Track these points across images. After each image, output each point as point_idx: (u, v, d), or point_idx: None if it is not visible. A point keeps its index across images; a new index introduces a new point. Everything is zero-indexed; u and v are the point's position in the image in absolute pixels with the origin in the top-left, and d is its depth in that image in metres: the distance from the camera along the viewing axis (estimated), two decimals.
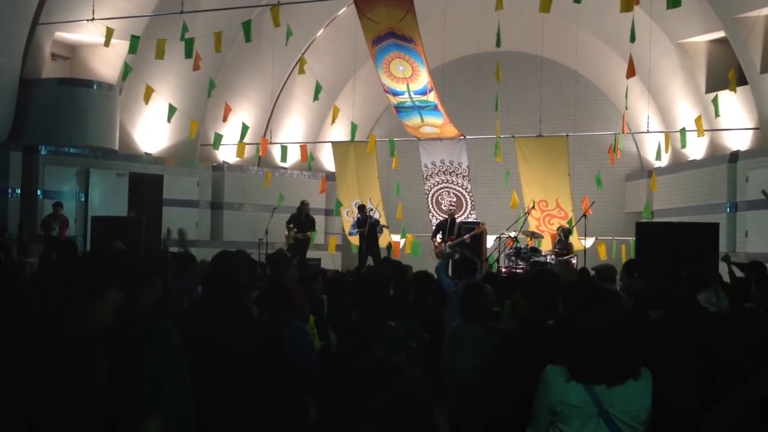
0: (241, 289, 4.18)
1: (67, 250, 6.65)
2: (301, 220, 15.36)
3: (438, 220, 16.84)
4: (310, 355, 4.60)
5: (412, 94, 15.44)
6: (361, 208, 15.62)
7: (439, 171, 17.16)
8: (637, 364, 2.99)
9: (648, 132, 16.11)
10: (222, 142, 15.90)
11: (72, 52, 16.21)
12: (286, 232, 15.26)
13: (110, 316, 3.31)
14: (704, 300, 4.39)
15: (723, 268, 7.87)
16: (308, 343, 4.73)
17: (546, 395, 2.98)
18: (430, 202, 17.41)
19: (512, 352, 3.80)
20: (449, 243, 14.19)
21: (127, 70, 14.33)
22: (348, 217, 17.65)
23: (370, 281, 4.97)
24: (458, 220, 15.28)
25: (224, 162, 18.01)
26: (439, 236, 14.73)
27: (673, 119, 16.13)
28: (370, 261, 14.49)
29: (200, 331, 3.85)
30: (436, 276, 7.57)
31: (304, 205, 15.54)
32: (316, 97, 14.74)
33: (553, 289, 4.11)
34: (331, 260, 17.42)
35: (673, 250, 8.01)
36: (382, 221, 16.33)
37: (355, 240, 16.78)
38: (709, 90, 15.08)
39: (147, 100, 13.97)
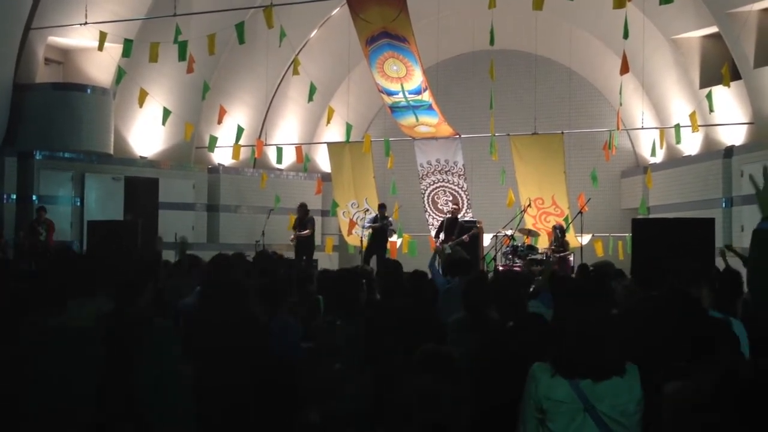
0: (242, 290, 4.23)
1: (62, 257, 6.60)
2: (300, 221, 15.36)
3: (435, 220, 16.86)
4: (294, 353, 4.65)
5: (406, 93, 15.44)
6: (382, 206, 15.45)
7: (435, 170, 17.17)
8: (621, 360, 3.01)
9: (643, 128, 16.14)
10: (217, 145, 15.87)
11: (65, 56, 16.17)
12: (292, 236, 15.29)
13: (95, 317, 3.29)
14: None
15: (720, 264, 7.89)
16: (295, 341, 4.77)
17: (532, 392, 3.01)
18: (426, 202, 17.41)
19: (499, 345, 3.84)
20: (449, 243, 14.18)
21: (120, 74, 14.31)
22: (344, 218, 17.66)
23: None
24: (459, 220, 15.22)
25: (220, 164, 17.99)
26: (441, 235, 14.68)
27: (668, 115, 16.16)
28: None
29: (204, 333, 3.86)
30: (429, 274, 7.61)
31: (299, 207, 15.45)
32: (310, 98, 14.74)
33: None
34: (328, 261, 17.41)
35: (669, 245, 8.02)
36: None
37: (354, 240, 16.80)
38: (703, 85, 15.10)
39: (141, 103, 13.95)
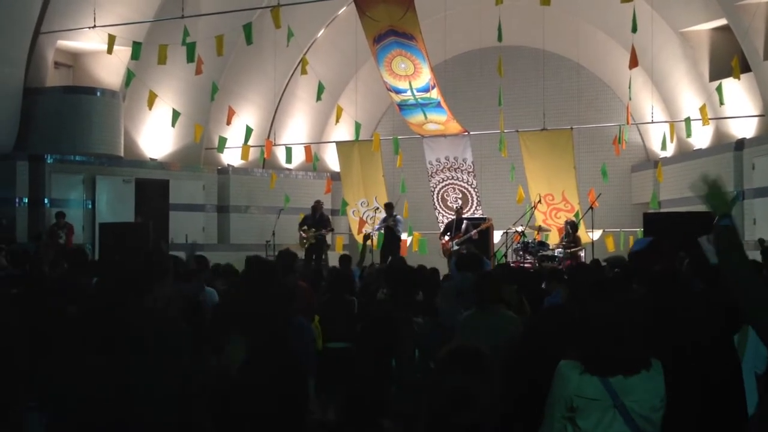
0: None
1: (77, 258, 6.67)
2: (316, 219, 15.03)
3: (444, 218, 16.87)
4: (308, 354, 4.66)
5: (414, 91, 15.43)
6: (388, 206, 15.27)
7: (444, 167, 17.15)
8: (648, 353, 3.00)
9: (652, 122, 16.07)
10: (226, 145, 15.91)
11: (75, 60, 16.25)
12: (304, 234, 14.93)
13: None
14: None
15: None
16: (311, 344, 4.79)
17: (561, 390, 2.98)
18: (435, 199, 17.40)
19: (538, 339, 3.82)
20: (456, 240, 14.19)
21: (130, 77, 14.37)
22: (354, 217, 17.68)
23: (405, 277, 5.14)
24: (464, 218, 15.20)
25: (229, 165, 18.04)
26: (446, 236, 14.68)
27: (678, 109, 16.08)
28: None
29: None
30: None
31: (318, 204, 15.20)
32: (318, 98, 14.75)
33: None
34: (337, 260, 17.40)
35: (680, 239, 7.99)
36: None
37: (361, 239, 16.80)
38: (712, 78, 15.02)
39: (150, 105, 14.00)
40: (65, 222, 13.84)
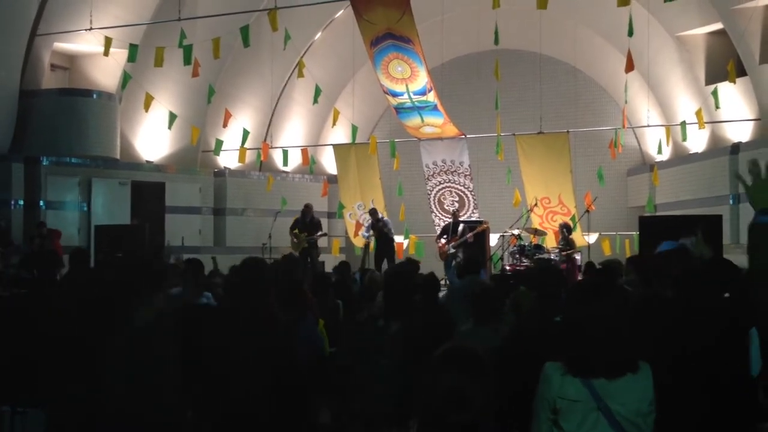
0: (264, 292, 4.23)
1: (79, 258, 6.67)
2: (307, 223, 14.89)
3: (441, 220, 16.88)
4: (320, 354, 4.69)
5: (411, 94, 15.44)
6: (372, 212, 15.39)
7: (441, 171, 17.16)
8: (635, 357, 2.95)
9: (648, 126, 16.11)
10: (223, 148, 15.90)
11: (71, 62, 16.23)
12: (294, 239, 14.82)
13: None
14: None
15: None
16: (320, 342, 4.80)
17: (545, 392, 2.95)
18: (432, 202, 17.41)
19: (517, 348, 3.81)
20: (452, 244, 14.19)
21: (126, 79, 14.35)
22: (350, 220, 17.68)
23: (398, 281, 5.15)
24: (461, 221, 15.20)
25: (226, 168, 18.03)
26: (443, 239, 14.69)
27: (674, 112, 16.12)
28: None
29: (224, 335, 3.87)
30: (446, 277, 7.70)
31: (308, 208, 15.08)
32: (315, 101, 14.76)
33: (559, 282, 4.15)
34: (334, 263, 17.38)
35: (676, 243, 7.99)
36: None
37: (361, 242, 16.80)
38: (708, 82, 15.06)
39: (147, 108, 13.97)
40: (48, 230, 13.60)
